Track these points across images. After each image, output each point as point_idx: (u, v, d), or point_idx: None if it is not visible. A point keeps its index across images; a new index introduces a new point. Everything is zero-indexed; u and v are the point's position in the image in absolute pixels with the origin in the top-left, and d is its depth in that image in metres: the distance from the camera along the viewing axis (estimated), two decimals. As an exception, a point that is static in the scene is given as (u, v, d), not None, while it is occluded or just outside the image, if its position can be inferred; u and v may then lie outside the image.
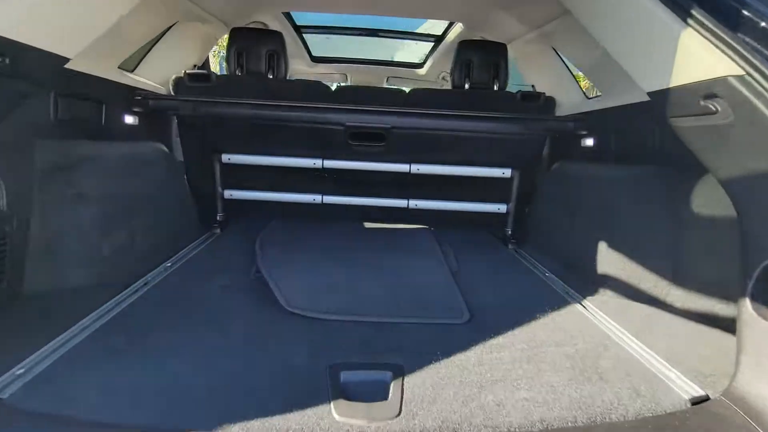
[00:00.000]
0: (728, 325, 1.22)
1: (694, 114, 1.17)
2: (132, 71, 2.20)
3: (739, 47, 1.01)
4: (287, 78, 2.51)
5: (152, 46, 2.35)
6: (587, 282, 1.70)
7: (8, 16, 1.10)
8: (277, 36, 2.45)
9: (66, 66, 1.40)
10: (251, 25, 2.89)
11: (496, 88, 2.52)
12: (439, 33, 3.55)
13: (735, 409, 0.96)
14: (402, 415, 0.92)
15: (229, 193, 2.36)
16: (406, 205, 2.39)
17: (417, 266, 1.87)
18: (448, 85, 4.43)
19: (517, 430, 0.90)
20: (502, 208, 2.37)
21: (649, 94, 1.34)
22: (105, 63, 1.82)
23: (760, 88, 0.98)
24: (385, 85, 4.35)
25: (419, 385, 1.02)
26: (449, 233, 2.46)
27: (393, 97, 2.42)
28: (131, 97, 1.98)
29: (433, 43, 3.79)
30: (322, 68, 4.20)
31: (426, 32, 3.73)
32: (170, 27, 2.35)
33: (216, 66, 6.27)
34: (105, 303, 1.37)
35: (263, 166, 2.30)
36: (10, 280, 1.30)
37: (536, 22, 2.43)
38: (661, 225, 1.52)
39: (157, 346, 1.16)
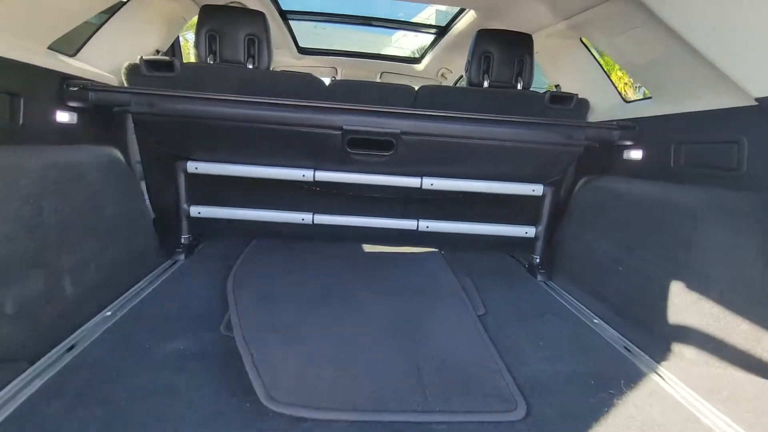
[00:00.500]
0: None
1: None
2: (74, 55, 1.73)
3: None
4: (270, 69, 2.09)
5: (103, 24, 1.89)
6: (655, 337, 1.34)
7: None
8: (259, 17, 2.01)
9: None
10: (229, 4, 2.42)
11: (519, 87, 2.15)
12: (443, 24, 3.16)
13: None
14: None
15: (196, 210, 1.90)
16: (415, 227, 1.97)
17: (438, 317, 1.46)
18: (447, 83, 4.07)
19: None
20: (530, 231, 1.98)
21: (758, 99, 1.21)
22: (25, 42, 1.36)
23: None
24: (378, 80, 3.93)
25: None
26: (464, 259, 2.08)
27: (401, 94, 2.02)
28: (65, 87, 1.52)
29: (434, 36, 3.40)
30: (309, 61, 3.78)
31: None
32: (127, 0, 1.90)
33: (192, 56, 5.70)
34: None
35: (239, 177, 1.85)
36: None
37: (568, 11, 2.05)
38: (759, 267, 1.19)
39: None
